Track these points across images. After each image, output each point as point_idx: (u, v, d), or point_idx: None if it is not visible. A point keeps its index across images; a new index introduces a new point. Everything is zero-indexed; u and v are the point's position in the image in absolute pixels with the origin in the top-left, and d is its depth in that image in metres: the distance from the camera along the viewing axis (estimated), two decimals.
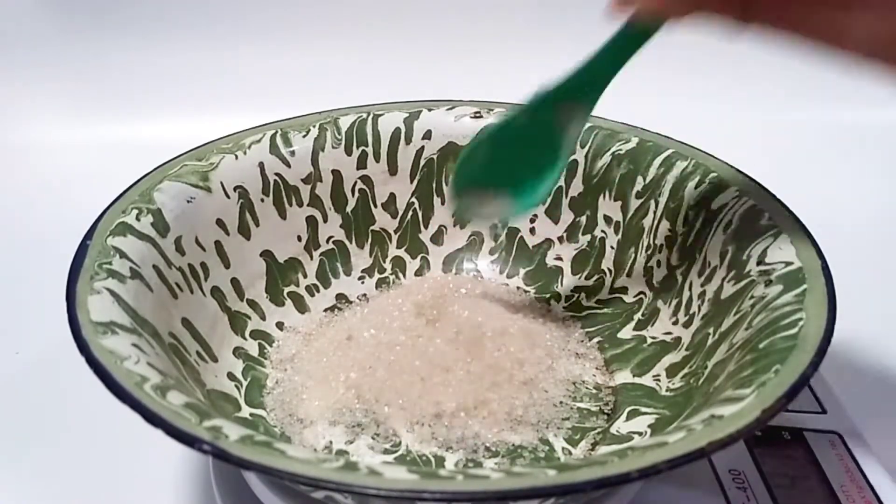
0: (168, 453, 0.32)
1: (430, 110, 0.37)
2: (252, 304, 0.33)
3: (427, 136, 0.36)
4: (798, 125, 0.59)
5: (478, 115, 0.37)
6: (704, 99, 0.60)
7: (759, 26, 0.22)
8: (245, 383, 0.30)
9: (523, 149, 0.28)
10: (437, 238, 0.38)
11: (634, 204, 0.34)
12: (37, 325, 0.39)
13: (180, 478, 0.32)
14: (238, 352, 0.31)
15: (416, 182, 0.37)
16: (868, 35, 0.21)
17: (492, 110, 0.37)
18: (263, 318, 0.33)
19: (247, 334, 0.32)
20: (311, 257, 0.36)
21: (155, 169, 0.31)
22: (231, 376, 0.30)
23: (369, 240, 0.37)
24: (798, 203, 0.30)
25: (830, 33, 0.21)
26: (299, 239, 0.35)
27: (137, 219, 0.28)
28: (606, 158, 0.35)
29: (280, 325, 0.34)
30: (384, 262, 0.37)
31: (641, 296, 0.34)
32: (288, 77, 0.60)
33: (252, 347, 0.32)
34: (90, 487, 0.32)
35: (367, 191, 0.36)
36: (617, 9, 0.22)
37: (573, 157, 0.35)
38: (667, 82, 0.61)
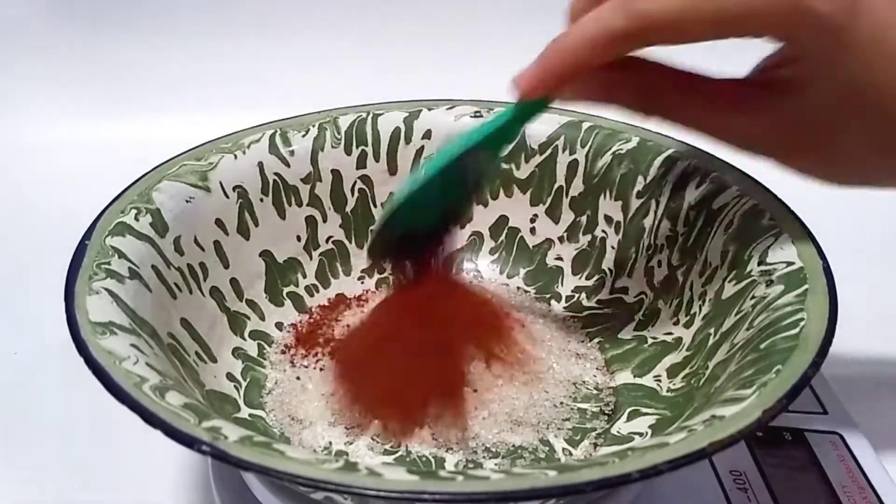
0: (167, 454, 0.32)
1: (429, 110, 0.37)
2: (251, 304, 0.33)
3: (427, 135, 0.36)
4: None
5: (478, 114, 0.36)
6: None
7: (659, 119, 0.27)
8: (244, 384, 0.30)
9: (435, 197, 0.28)
10: None
11: (635, 204, 0.34)
12: (35, 326, 0.39)
13: (179, 478, 0.32)
14: (237, 352, 0.31)
15: None
16: (742, 133, 0.26)
17: (492, 109, 0.37)
18: (263, 318, 0.33)
19: (246, 334, 0.32)
20: (311, 257, 0.36)
21: (154, 169, 0.31)
22: (230, 377, 0.30)
23: (369, 240, 0.37)
24: (799, 203, 0.30)
25: (716, 131, 0.27)
26: (299, 239, 0.35)
27: (136, 219, 0.28)
28: (607, 158, 0.35)
29: (279, 326, 0.34)
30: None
31: (642, 296, 0.33)
32: (288, 77, 0.59)
33: (251, 348, 0.32)
34: (89, 488, 0.32)
35: (367, 190, 0.36)
36: (523, 94, 0.26)
37: (574, 157, 0.35)
38: None
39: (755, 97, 0.26)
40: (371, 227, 0.37)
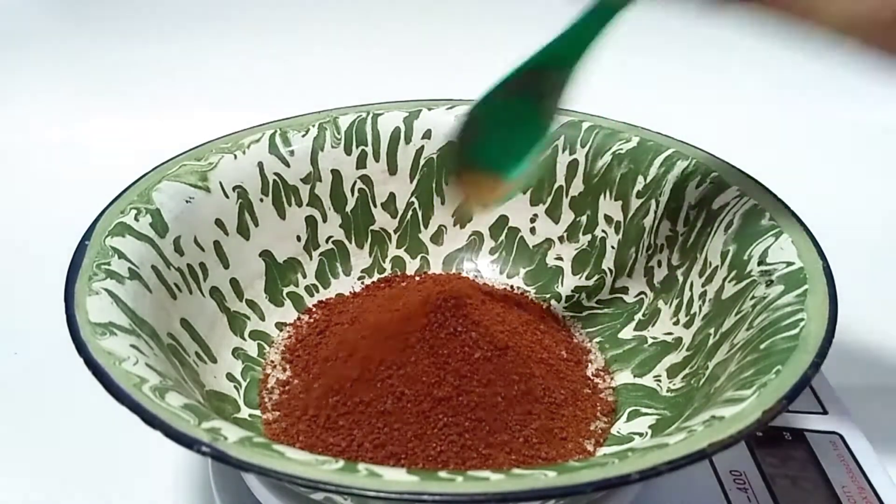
0: (167, 454, 0.32)
1: (429, 110, 0.37)
2: (251, 304, 0.33)
3: (427, 135, 0.36)
4: (799, 125, 0.59)
5: None
6: (706, 98, 0.60)
7: (738, 5, 0.23)
8: (244, 384, 0.30)
9: (505, 124, 0.28)
10: (437, 238, 0.38)
11: (635, 203, 0.34)
12: (35, 326, 0.39)
13: (179, 479, 0.32)
14: (237, 352, 0.31)
15: (415, 182, 0.37)
16: (840, 13, 0.22)
17: None
18: (262, 318, 0.33)
19: (246, 335, 0.32)
20: (311, 257, 0.36)
21: (153, 169, 0.31)
22: (230, 377, 0.30)
23: (369, 240, 0.37)
24: (800, 203, 0.30)
25: (806, 11, 0.23)
26: (298, 239, 0.35)
27: (136, 219, 0.28)
28: (607, 158, 0.35)
29: (279, 326, 0.34)
30: (384, 262, 0.37)
31: (642, 296, 0.33)
32: (288, 77, 0.60)
33: (251, 348, 0.32)
34: (88, 489, 0.32)
35: (367, 190, 0.36)
36: None
37: (574, 157, 0.35)
38: (668, 81, 0.61)
39: None
40: (371, 228, 0.37)
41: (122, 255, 0.26)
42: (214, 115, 0.44)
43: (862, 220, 0.50)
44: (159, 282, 0.28)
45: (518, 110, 0.28)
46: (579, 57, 0.27)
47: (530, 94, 0.27)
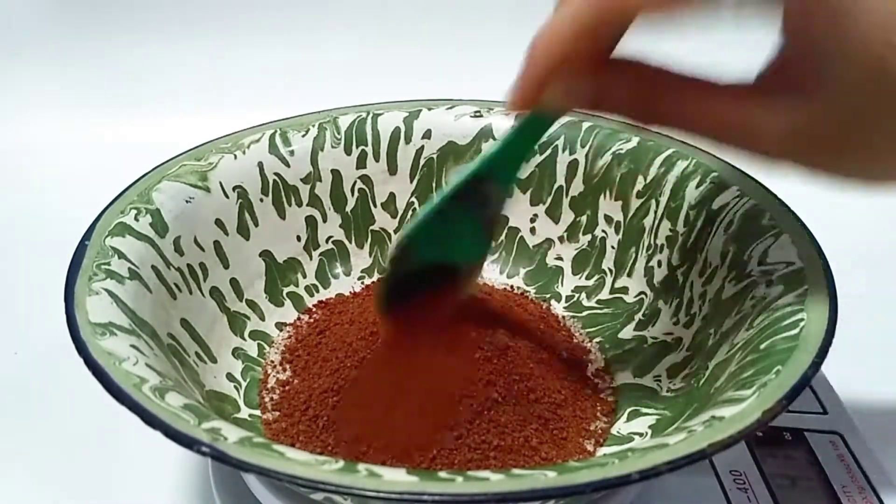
0: (167, 455, 0.32)
1: (429, 109, 0.37)
2: (251, 304, 0.33)
3: (427, 135, 0.36)
4: None
5: (478, 114, 0.36)
6: None
7: (660, 126, 0.23)
8: (244, 384, 0.30)
9: (449, 234, 0.27)
10: None
11: (635, 204, 0.34)
12: (35, 326, 0.39)
13: (179, 479, 0.32)
14: (237, 352, 0.31)
15: (415, 181, 0.37)
16: (780, 128, 0.21)
17: (491, 109, 0.37)
18: (262, 318, 0.33)
19: (246, 335, 0.32)
20: (311, 257, 0.36)
21: (153, 169, 0.31)
22: (230, 377, 0.30)
23: (369, 240, 0.37)
24: (799, 203, 0.30)
25: (739, 131, 0.22)
26: (299, 239, 0.35)
27: (136, 219, 0.28)
28: (607, 158, 0.35)
29: (280, 326, 0.34)
30: (384, 262, 0.37)
31: (642, 296, 0.33)
32: (288, 77, 0.59)
33: (251, 348, 0.32)
34: (88, 489, 0.32)
35: (367, 190, 0.36)
36: (514, 107, 0.24)
37: (574, 157, 0.35)
38: None
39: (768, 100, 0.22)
40: (371, 228, 0.37)
41: (122, 255, 0.26)
42: (214, 115, 0.44)
43: (862, 220, 0.50)
44: (159, 282, 0.28)
45: (460, 223, 0.27)
46: (515, 172, 0.28)
47: (472, 204, 0.27)
